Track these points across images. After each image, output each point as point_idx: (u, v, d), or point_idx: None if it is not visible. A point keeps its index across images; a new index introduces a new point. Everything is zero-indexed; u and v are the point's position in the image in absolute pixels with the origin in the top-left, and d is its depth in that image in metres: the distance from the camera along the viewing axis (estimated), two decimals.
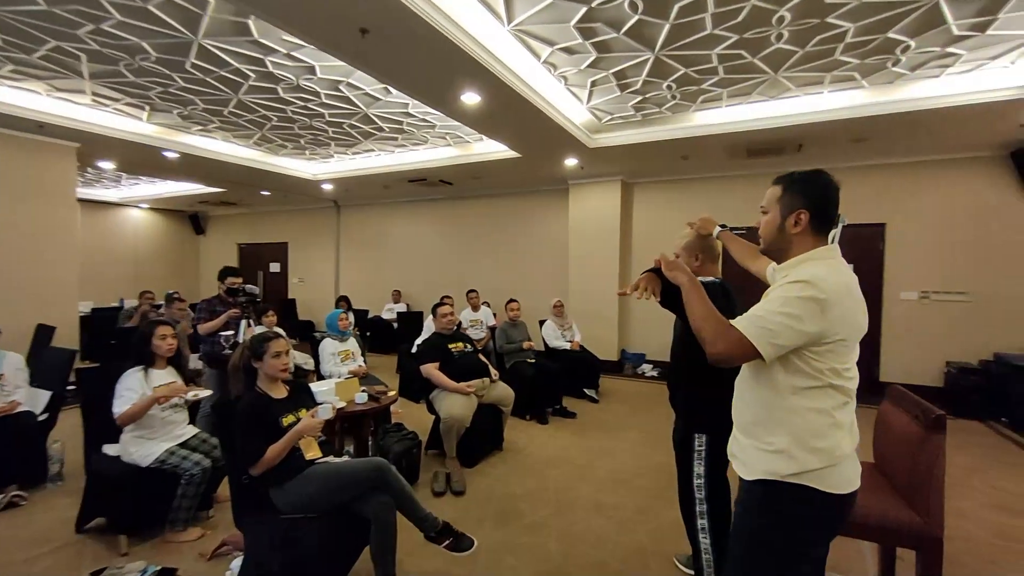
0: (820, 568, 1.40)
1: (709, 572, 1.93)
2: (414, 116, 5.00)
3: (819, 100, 4.33)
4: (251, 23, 3.20)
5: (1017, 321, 5.08)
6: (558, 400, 4.88)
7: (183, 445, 2.61)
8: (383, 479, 2.08)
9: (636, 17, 3.05)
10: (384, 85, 4.11)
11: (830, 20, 3.06)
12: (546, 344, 5.60)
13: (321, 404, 2.22)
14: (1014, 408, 4.57)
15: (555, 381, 4.90)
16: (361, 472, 2.07)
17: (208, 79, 4.10)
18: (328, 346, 3.93)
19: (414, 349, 4.98)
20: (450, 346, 3.69)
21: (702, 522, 1.94)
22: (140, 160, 6.39)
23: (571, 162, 6.01)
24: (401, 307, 8.63)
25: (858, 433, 1.26)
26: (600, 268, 6.91)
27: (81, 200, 6.41)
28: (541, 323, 5.81)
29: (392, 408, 3.55)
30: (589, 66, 3.80)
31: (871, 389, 4.07)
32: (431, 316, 4.09)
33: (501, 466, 3.55)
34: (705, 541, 1.94)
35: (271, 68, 3.86)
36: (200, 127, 5.50)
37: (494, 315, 6.56)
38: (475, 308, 6.29)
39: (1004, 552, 2.49)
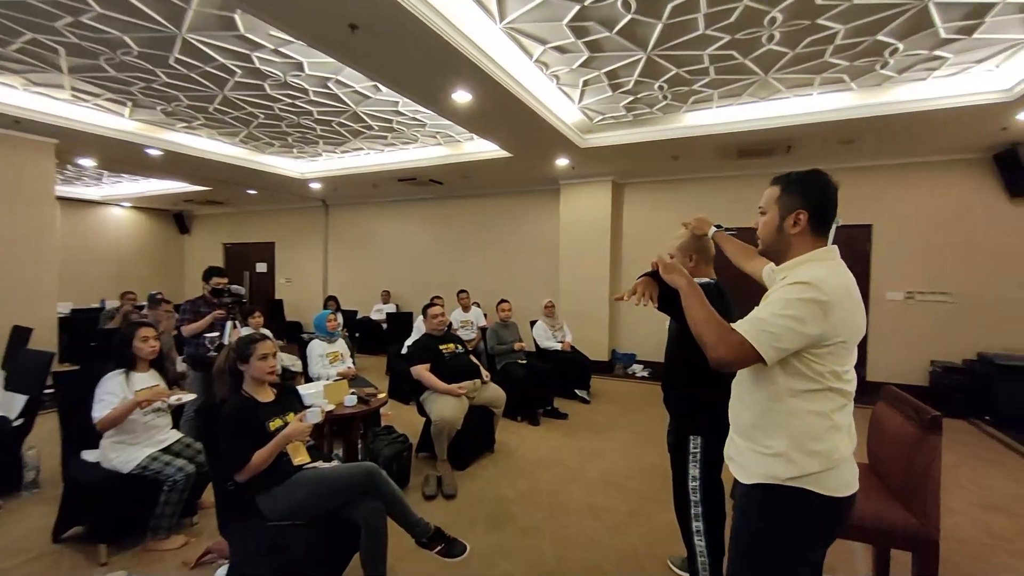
0: (818, 571, 1.40)
1: (704, 575, 1.92)
2: (404, 114, 4.94)
3: (808, 102, 4.36)
4: (237, 17, 3.12)
5: (1000, 321, 5.17)
6: (549, 401, 4.86)
7: (166, 450, 2.54)
8: (373, 484, 2.03)
9: (629, 16, 3.04)
10: (374, 83, 4.05)
11: (821, 22, 3.08)
12: (537, 345, 5.57)
13: (309, 408, 2.17)
14: (997, 407, 4.65)
15: (546, 382, 4.88)
16: (351, 477, 2.02)
17: (193, 75, 4.00)
18: (316, 347, 3.86)
19: (404, 350, 4.93)
20: (441, 347, 3.65)
21: (697, 525, 1.93)
22: (122, 157, 6.24)
23: (562, 162, 6.00)
24: (390, 308, 8.55)
25: (855, 435, 1.26)
26: (591, 268, 6.91)
27: (61, 198, 6.23)
28: (532, 324, 5.79)
29: (382, 411, 3.50)
30: (581, 65, 3.78)
31: (859, 388, 4.10)
32: (421, 317, 4.04)
33: (493, 468, 3.52)
34: (700, 544, 1.93)
35: (258, 64, 3.78)
36: (184, 124, 5.39)
37: (485, 316, 6.52)
38: (466, 309, 6.25)
39: (996, 551, 2.51)
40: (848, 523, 1.67)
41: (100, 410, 2.38)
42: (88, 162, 6.55)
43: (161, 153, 5.84)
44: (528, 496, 3.09)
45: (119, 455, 2.42)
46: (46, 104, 4.70)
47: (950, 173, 5.40)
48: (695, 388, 1.89)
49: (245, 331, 3.76)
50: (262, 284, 10.81)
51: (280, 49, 3.54)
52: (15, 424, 3.06)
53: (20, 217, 5.07)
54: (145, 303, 6.17)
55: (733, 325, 1.20)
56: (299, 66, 3.82)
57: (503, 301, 5.47)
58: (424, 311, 3.88)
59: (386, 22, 2.76)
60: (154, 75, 4.04)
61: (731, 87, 4.16)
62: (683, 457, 1.95)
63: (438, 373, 3.48)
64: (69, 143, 5.41)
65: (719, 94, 4.34)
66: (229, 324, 3.53)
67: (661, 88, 4.19)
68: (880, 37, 3.25)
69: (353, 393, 3.17)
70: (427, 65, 3.34)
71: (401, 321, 7.42)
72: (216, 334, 3.53)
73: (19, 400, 3.14)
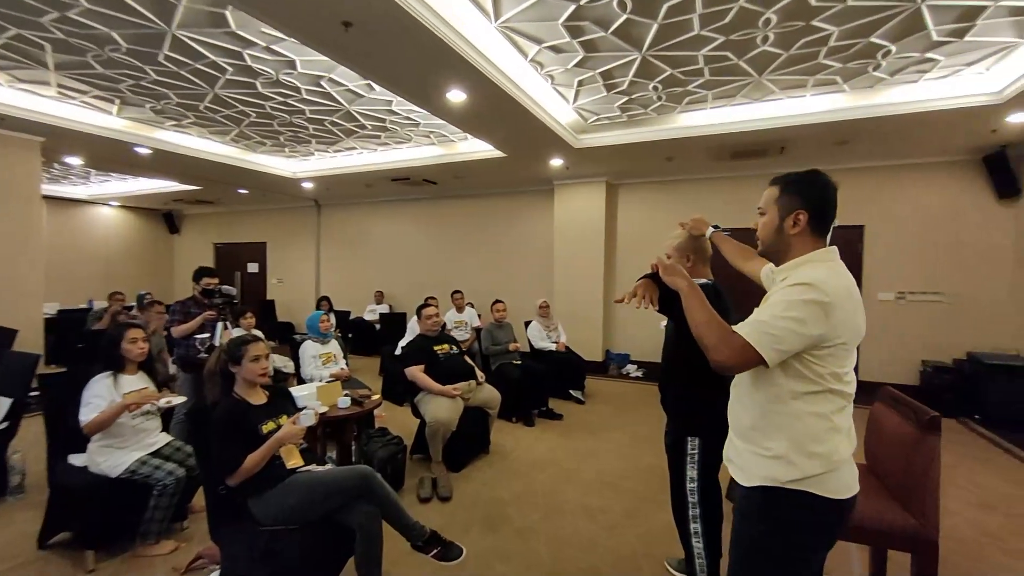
0: (818, 573, 1.39)
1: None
2: (398, 114, 4.91)
3: (802, 103, 4.39)
4: (228, 14, 3.08)
5: (990, 321, 5.24)
6: (544, 402, 4.84)
7: (155, 454, 2.49)
8: (368, 487, 2.00)
9: (624, 16, 3.03)
10: (367, 81, 4.02)
11: (815, 23, 3.09)
12: (532, 345, 5.56)
13: (303, 410, 2.14)
14: (986, 406, 4.69)
15: (541, 383, 4.86)
16: (345, 481, 1.99)
17: (183, 72, 3.95)
18: (309, 349, 3.82)
19: (398, 351, 4.90)
20: (435, 348, 3.62)
21: (695, 526, 1.92)
22: (110, 156, 6.13)
23: (556, 162, 5.99)
24: (384, 308, 8.50)
25: (855, 437, 1.26)
26: (585, 269, 6.91)
27: (47, 197, 6.14)
28: (526, 324, 5.77)
29: (376, 412, 3.46)
30: (576, 65, 3.77)
31: None
32: (415, 317, 4.01)
33: (488, 470, 3.50)
34: (698, 545, 1.93)
35: (249, 62, 3.73)
36: (174, 122, 5.31)
37: (479, 316, 6.50)
38: (460, 309, 6.22)
39: (991, 550, 2.53)
40: (848, 524, 1.67)
41: (87, 413, 2.33)
42: (75, 160, 6.44)
43: (150, 152, 5.76)
44: (524, 497, 3.07)
45: (107, 459, 2.37)
46: (32, 101, 4.61)
47: (941, 175, 5.46)
48: (694, 388, 1.88)
49: (236, 332, 3.71)
50: (253, 284, 10.69)
51: (272, 47, 3.49)
52: None
53: (5, 216, 4.97)
54: (134, 304, 6.08)
55: (735, 328, 1.19)
56: (291, 64, 3.77)
57: (497, 301, 5.44)
58: (418, 312, 3.85)
59: (380, 20, 2.73)
60: (143, 72, 3.97)
61: (725, 88, 4.17)
62: (681, 458, 1.94)
63: (432, 374, 3.45)
64: (55, 141, 5.32)
65: (713, 95, 4.35)
66: (220, 325, 3.48)
67: (656, 89, 4.19)
68: (873, 39, 3.27)
69: (347, 395, 3.14)
70: (421, 64, 3.31)
71: (395, 322, 7.37)
72: (207, 335, 3.47)
73: (3, 403, 3.06)
